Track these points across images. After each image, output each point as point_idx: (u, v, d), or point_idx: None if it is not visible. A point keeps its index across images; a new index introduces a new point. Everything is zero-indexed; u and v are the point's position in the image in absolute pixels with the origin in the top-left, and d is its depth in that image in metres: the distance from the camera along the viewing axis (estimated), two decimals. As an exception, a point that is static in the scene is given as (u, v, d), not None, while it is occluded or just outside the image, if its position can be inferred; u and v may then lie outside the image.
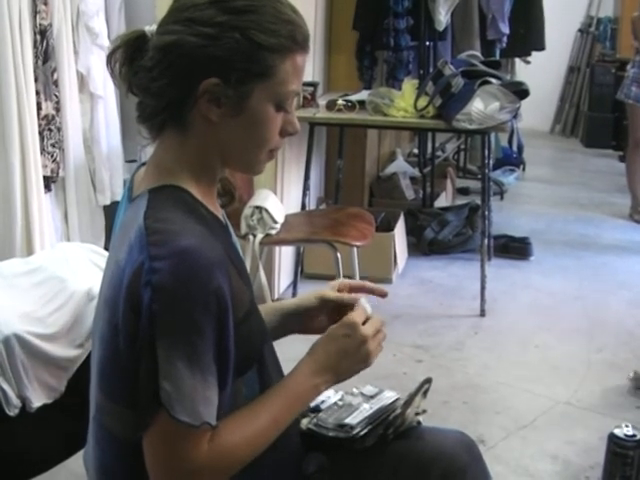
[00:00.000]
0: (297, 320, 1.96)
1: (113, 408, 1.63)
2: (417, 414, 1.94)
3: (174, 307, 1.48)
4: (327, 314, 1.95)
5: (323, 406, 1.99)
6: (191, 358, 1.48)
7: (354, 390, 2.04)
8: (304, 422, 1.94)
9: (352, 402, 1.98)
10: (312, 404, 1.99)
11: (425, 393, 1.98)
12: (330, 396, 2.03)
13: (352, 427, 1.88)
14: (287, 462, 1.80)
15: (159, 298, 1.47)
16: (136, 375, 1.51)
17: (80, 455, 2.36)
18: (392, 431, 1.89)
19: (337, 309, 1.89)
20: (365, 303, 1.83)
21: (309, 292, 1.98)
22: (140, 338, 1.49)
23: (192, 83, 1.56)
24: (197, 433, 1.51)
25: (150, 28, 1.63)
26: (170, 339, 1.47)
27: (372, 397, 2.00)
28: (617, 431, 2.99)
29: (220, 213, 1.76)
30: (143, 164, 1.76)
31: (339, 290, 1.95)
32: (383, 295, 1.99)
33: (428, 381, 2.00)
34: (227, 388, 1.59)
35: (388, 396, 2.01)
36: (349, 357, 1.72)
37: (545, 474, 3.33)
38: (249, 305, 1.65)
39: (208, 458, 1.53)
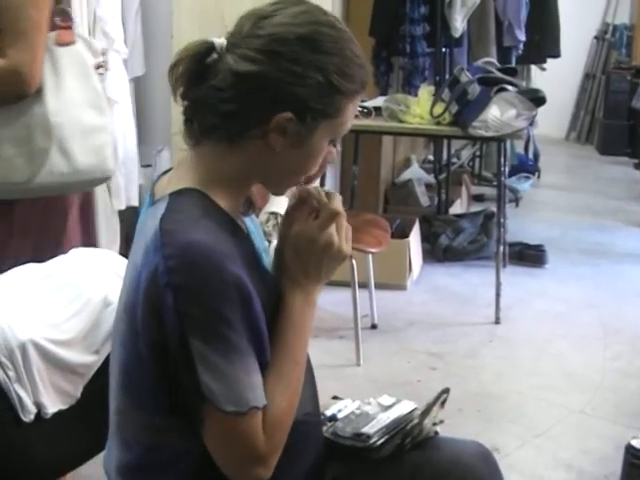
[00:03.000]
0: None
1: (136, 412, 1.64)
2: (434, 424, 1.93)
3: (197, 304, 1.49)
4: None
5: (340, 415, 1.98)
6: (226, 350, 1.50)
7: (371, 400, 2.03)
8: (321, 431, 1.94)
9: (369, 412, 1.98)
10: (329, 413, 1.99)
11: (443, 403, 1.98)
12: (347, 405, 2.02)
13: (369, 436, 1.88)
14: (310, 470, 1.80)
15: (181, 298, 1.48)
16: (175, 379, 1.54)
17: (94, 461, 2.37)
18: (409, 441, 1.88)
19: None
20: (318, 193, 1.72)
21: None
22: (173, 340, 1.50)
23: (267, 115, 1.57)
24: (248, 419, 1.53)
25: (220, 41, 1.60)
26: (201, 336, 1.49)
27: (389, 407, 1.99)
28: (634, 442, 2.97)
29: (243, 224, 1.76)
30: (165, 172, 1.76)
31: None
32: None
33: (446, 391, 1.99)
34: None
35: (405, 406, 2.00)
36: (325, 263, 1.69)
37: (560, 483, 3.31)
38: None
39: (267, 434, 1.56)
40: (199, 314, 1.49)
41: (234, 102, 1.57)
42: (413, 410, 1.97)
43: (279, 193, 1.76)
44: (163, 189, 1.67)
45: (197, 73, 1.61)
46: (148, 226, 1.60)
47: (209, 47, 1.61)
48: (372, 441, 1.87)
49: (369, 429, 1.90)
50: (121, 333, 1.64)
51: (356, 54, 1.61)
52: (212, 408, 1.51)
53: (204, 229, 1.53)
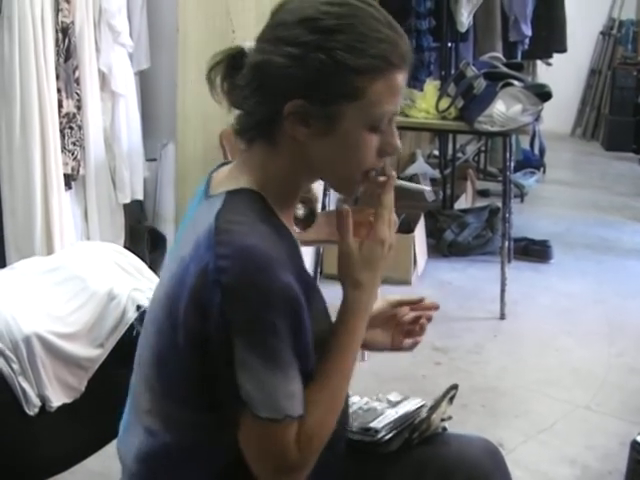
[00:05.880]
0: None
1: (166, 401, 1.63)
2: (442, 420, 1.93)
3: (244, 308, 1.47)
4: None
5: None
6: (268, 356, 1.48)
7: (380, 396, 2.03)
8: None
9: (377, 407, 1.98)
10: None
11: (451, 399, 1.97)
12: (355, 401, 2.02)
13: (377, 431, 1.88)
14: (331, 465, 1.78)
15: (229, 299, 1.47)
16: (213, 376, 1.52)
17: (99, 454, 2.37)
18: (417, 436, 1.88)
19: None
20: None
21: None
22: (215, 340, 1.49)
23: (278, 103, 1.54)
24: (282, 427, 1.51)
25: (249, 44, 1.60)
26: (245, 340, 1.47)
27: (398, 403, 2.00)
28: (640, 438, 2.97)
29: (294, 231, 1.74)
30: (224, 163, 1.75)
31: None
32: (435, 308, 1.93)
33: (454, 387, 1.99)
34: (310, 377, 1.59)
35: (414, 402, 2.00)
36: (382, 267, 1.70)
37: (564, 479, 3.30)
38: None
39: (300, 446, 1.54)
40: (246, 319, 1.47)
41: (252, 97, 1.57)
42: (421, 406, 1.97)
43: (347, 192, 1.72)
44: (219, 183, 1.66)
45: (230, 77, 1.62)
46: (201, 220, 1.58)
47: (239, 51, 1.62)
48: (380, 436, 1.87)
49: (377, 424, 1.90)
50: (159, 320, 1.63)
51: (372, 28, 1.52)
52: (248, 412, 1.49)
53: (260, 234, 1.51)
